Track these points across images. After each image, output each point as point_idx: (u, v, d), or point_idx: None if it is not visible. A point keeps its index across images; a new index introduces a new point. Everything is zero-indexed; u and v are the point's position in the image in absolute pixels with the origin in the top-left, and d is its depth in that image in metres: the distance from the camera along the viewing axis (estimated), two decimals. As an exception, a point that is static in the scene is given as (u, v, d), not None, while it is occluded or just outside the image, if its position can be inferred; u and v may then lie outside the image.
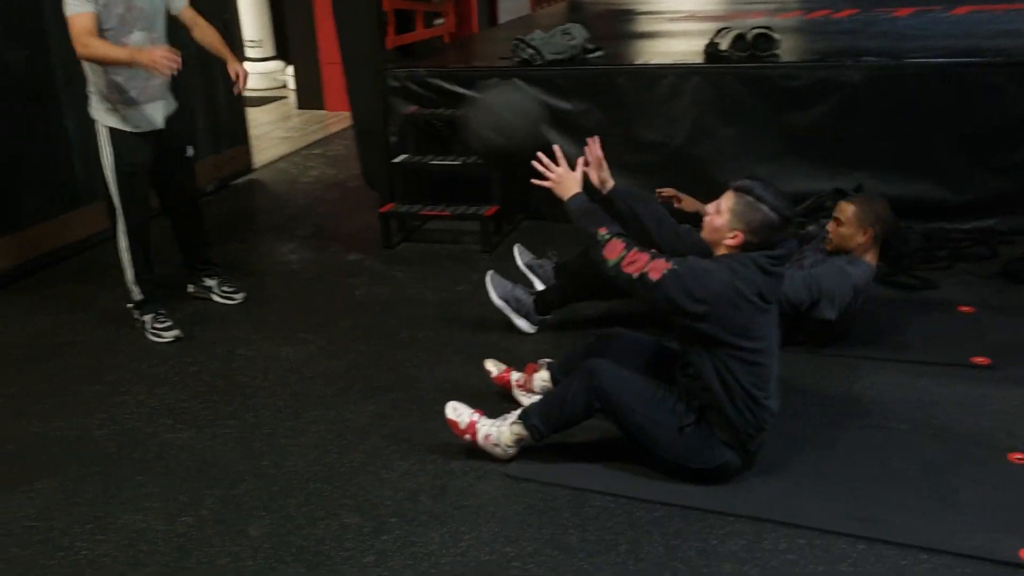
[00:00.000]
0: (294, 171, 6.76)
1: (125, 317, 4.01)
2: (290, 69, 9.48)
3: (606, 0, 9.76)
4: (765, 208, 2.58)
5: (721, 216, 2.64)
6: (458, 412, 2.93)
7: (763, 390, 2.61)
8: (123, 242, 3.84)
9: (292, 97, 9.30)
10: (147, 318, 3.92)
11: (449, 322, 3.97)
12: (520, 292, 3.81)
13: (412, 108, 5.26)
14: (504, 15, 9.57)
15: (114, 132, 3.70)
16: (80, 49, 3.52)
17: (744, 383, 2.58)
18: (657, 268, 2.57)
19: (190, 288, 4.31)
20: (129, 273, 3.88)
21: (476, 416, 2.91)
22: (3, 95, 4.50)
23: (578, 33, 5.24)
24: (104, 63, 3.58)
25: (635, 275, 2.60)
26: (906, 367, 3.40)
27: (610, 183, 3.19)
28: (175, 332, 3.89)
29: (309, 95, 8.96)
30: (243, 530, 2.64)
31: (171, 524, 2.68)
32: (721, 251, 2.68)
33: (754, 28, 5.00)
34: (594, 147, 3.18)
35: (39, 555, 2.56)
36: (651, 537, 2.53)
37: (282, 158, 7.11)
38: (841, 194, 4.55)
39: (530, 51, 5.16)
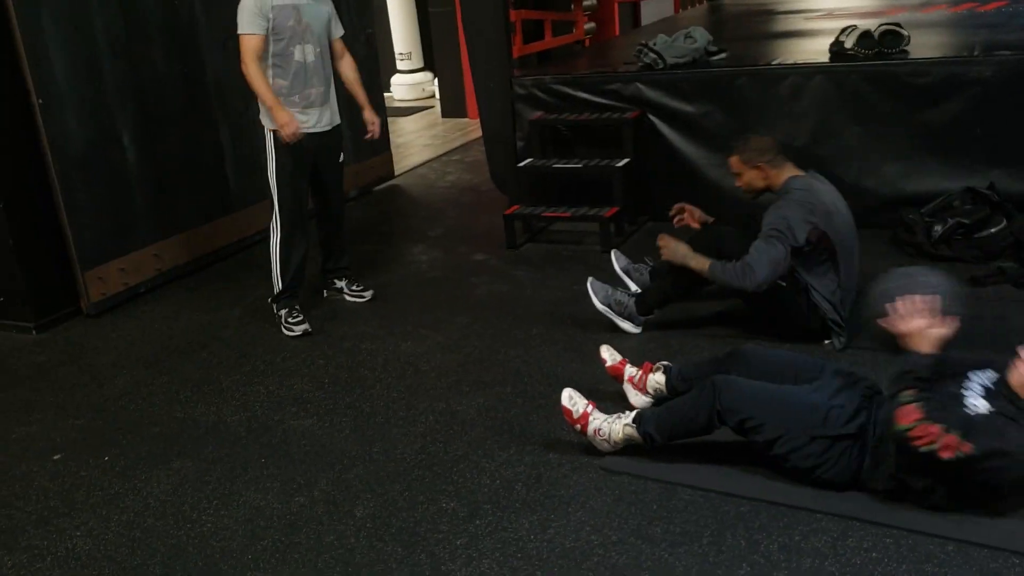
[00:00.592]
0: (432, 176, 7.05)
1: (267, 315, 4.34)
2: (437, 80, 9.85)
3: (748, 1, 9.62)
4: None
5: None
6: (573, 401, 3.01)
7: None
8: (275, 237, 4.16)
9: (438, 107, 9.66)
10: (283, 312, 4.24)
11: (562, 320, 4.08)
12: (620, 295, 3.90)
13: (538, 114, 5.41)
14: (647, 19, 9.62)
15: (274, 136, 4.03)
16: (243, 68, 3.92)
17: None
18: (949, 447, 2.36)
19: (324, 293, 4.61)
20: (276, 266, 4.20)
21: (590, 408, 2.98)
22: (165, 109, 4.97)
23: (700, 36, 5.24)
24: (253, 89, 3.94)
25: (921, 449, 2.41)
26: None
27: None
28: (305, 327, 4.18)
29: (453, 104, 9.29)
30: (350, 511, 2.84)
31: (287, 503, 2.91)
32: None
33: (881, 25, 4.85)
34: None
35: (170, 526, 2.85)
36: (735, 531, 2.56)
37: (423, 164, 7.42)
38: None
39: (652, 56, 5.20)
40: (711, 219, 4.01)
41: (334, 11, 4.23)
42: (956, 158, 4.57)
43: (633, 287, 4.11)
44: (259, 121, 4.11)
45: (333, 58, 4.24)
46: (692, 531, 2.58)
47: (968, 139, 4.54)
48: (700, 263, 3.62)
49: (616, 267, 4.20)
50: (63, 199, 4.44)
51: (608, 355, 3.37)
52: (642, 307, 3.86)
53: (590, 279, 3.97)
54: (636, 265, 4.21)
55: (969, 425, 2.38)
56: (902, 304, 2.60)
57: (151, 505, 2.97)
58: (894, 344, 2.64)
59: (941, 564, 2.35)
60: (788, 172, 3.62)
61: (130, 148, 4.78)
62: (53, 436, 3.47)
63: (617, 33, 8.35)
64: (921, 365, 2.54)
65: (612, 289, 3.94)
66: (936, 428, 2.37)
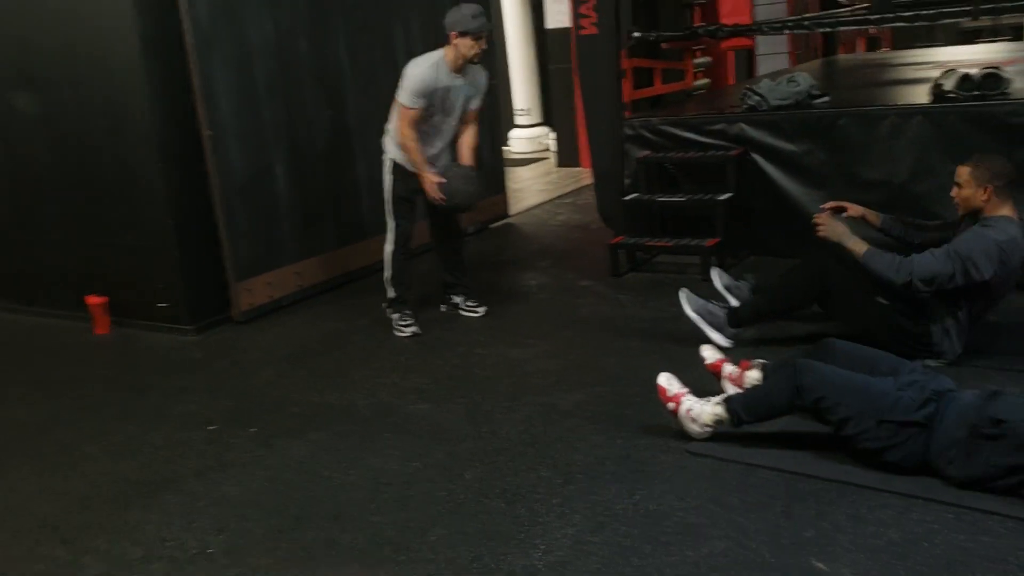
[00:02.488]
0: (545, 216, 7.51)
1: (391, 325, 4.83)
2: (553, 134, 10.39)
3: (863, 57, 9.81)
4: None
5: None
6: (670, 381, 3.32)
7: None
8: (388, 247, 4.74)
9: (553, 158, 10.18)
10: (395, 316, 4.78)
11: (659, 336, 4.40)
12: (713, 307, 4.14)
13: (645, 152, 5.80)
14: (762, 71, 9.94)
15: (396, 165, 4.63)
16: (399, 134, 4.52)
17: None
18: None
19: (442, 307, 5.08)
20: (387, 273, 4.77)
21: (685, 390, 3.30)
22: (312, 145, 5.60)
23: (803, 81, 5.53)
24: (405, 152, 4.54)
25: None
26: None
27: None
28: (414, 329, 4.72)
29: (567, 155, 9.79)
30: (460, 474, 3.23)
31: (405, 467, 3.32)
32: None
33: (982, 69, 5.05)
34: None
35: (305, 481, 3.30)
36: (805, 503, 2.81)
37: (536, 206, 7.90)
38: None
39: (756, 98, 5.53)
40: (872, 216, 4.11)
41: (484, 88, 4.70)
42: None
43: (733, 302, 4.33)
44: (382, 147, 4.68)
45: (462, 121, 4.71)
46: (765, 501, 2.85)
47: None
48: (857, 245, 3.70)
49: (717, 283, 4.42)
50: (223, 220, 5.08)
51: (708, 353, 3.64)
52: (733, 319, 4.11)
53: (684, 290, 4.21)
54: (738, 282, 4.42)
55: None
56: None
57: (290, 465, 3.44)
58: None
59: (998, 536, 2.55)
60: (1005, 210, 3.62)
61: (281, 178, 5.42)
62: (207, 412, 4.01)
63: (732, 83, 8.71)
64: None
65: (705, 301, 4.19)
66: None
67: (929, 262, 3.54)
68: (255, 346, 4.86)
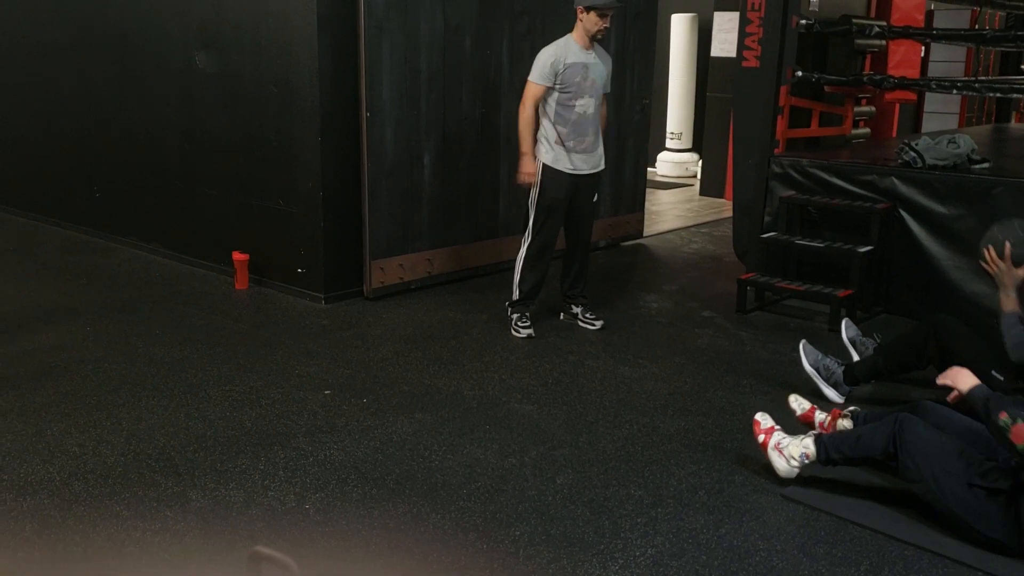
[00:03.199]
0: (678, 242, 7.48)
1: (508, 323, 4.94)
2: (700, 161, 10.31)
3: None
4: None
5: None
6: (764, 417, 3.34)
7: None
8: (523, 252, 4.86)
9: (697, 185, 10.10)
10: (515, 316, 4.89)
11: (773, 379, 4.34)
12: (830, 362, 4.08)
13: (790, 192, 5.71)
14: (928, 128, 9.61)
15: (546, 168, 4.73)
16: (520, 109, 4.67)
17: None
18: None
19: (561, 315, 5.16)
20: (517, 276, 4.88)
21: (777, 426, 3.29)
22: (461, 141, 5.79)
23: (964, 143, 5.34)
24: (519, 126, 4.71)
25: None
26: None
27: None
28: (530, 331, 4.84)
29: (712, 184, 9.70)
30: (552, 477, 3.29)
31: (501, 461, 3.42)
32: None
33: None
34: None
35: (406, 456, 3.44)
36: (894, 567, 2.75)
37: (672, 231, 7.87)
38: None
39: (912, 154, 5.37)
40: None
41: (610, 72, 4.89)
42: None
43: (855, 357, 4.26)
44: (532, 153, 4.78)
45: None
46: (853, 558, 2.79)
47: None
48: (1010, 302, 3.53)
49: (844, 335, 4.36)
50: (368, 200, 5.32)
51: (797, 404, 3.61)
52: (849, 377, 4.03)
53: (803, 341, 4.19)
54: (864, 339, 4.34)
55: None
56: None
57: (393, 439, 3.58)
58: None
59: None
60: None
61: (428, 168, 5.62)
62: (326, 377, 4.22)
63: (894, 136, 8.45)
64: (981, 393, 2.88)
65: (823, 355, 4.14)
66: None
67: None
68: (379, 323, 5.06)
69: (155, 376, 4.20)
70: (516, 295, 4.91)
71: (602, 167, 4.91)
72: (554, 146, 4.72)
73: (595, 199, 4.97)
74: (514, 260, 4.95)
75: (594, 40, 4.70)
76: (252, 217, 5.68)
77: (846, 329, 4.36)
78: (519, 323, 4.88)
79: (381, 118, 5.28)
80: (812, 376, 4.11)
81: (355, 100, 5.21)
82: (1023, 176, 5.13)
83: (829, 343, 4.51)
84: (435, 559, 2.76)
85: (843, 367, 4.08)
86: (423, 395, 4.04)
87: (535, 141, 4.76)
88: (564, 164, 4.72)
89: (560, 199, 4.76)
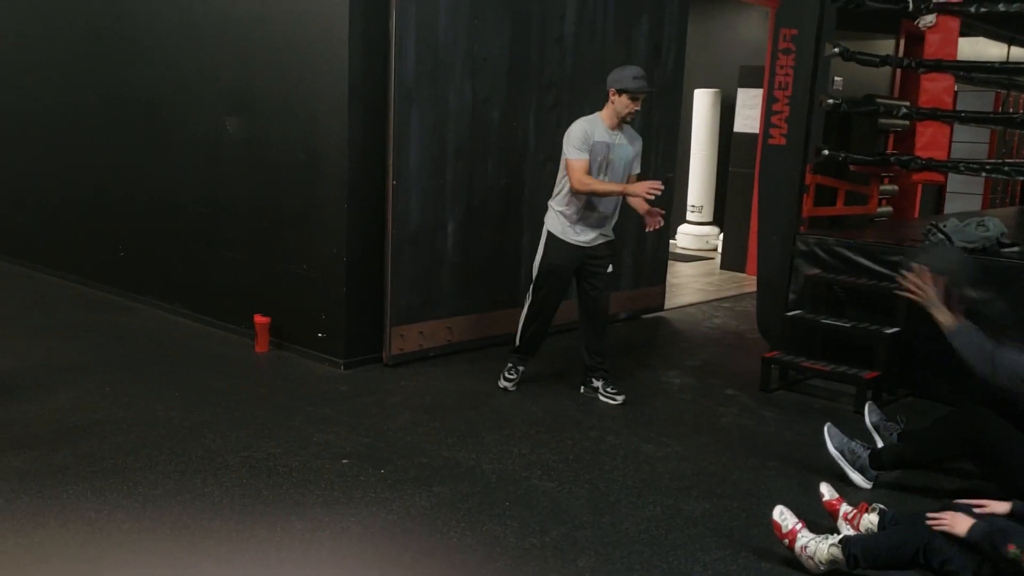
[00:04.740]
0: (700, 316, 7.43)
1: (531, 393, 4.89)
2: (721, 235, 10.31)
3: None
4: None
5: None
6: (783, 516, 3.24)
7: None
8: (525, 311, 4.98)
9: (718, 259, 10.09)
10: (508, 365, 5.09)
11: (798, 461, 4.25)
12: (856, 446, 3.99)
13: (815, 271, 5.67)
14: (950, 208, 9.60)
15: (551, 237, 4.81)
16: (578, 185, 4.68)
17: None
18: None
19: (581, 389, 5.10)
20: (519, 330, 5.03)
21: (799, 526, 3.20)
22: (486, 211, 5.81)
23: (994, 227, 5.30)
24: (599, 195, 4.71)
25: None
26: None
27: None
28: (509, 384, 5.05)
29: (733, 258, 9.69)
30: (573, 560, 3.20)
31: (521, 540, 3.33)
32: None
33: None
34: None
35: (424, 532, 3.36)
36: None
37: (692, 304, 7.83)
38: None
39: (940, 236, 5.33)
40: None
41: (640, 152, 4.93)
42: None
43: (880, 443, 4.19)
44: (543, 222, 4.90)
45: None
46: (887, 657, 2.68)
47: None
48: (946, 316, 3.50)
49: (867, 420, 4.31)
50: (391, 266, 5.32)
51: (827, 491, 3.53)
52: (875, 461, 3.94)
53: (828, 424, 4.12)
54: (888, 423, 4.27)
55: None
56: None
57: (411, 514, 3.51)
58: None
59: None
60: None
61: (451, 235, 5.63)
62: (344, 445, 4.16)
63: (916, 215, 8.44)
64: (980, 529, 2.80)
65: (849, 439, 4.05)
66: None
67: (1018, 355, 3.28)
68: (398, 390, 5.02)
69: (172, 439, 4.15)
70: (516, 344, 5.08)
71: (610, 238, 4.92)
72: (565, 222, 4.80)
73: (609, 270, 4.96)
74: None
75: (623, 122, 4.74)
76: (274, 280, 5.69)
77: (869, 414, 4.30)
78: (506, 372, 5.08)
79: (407, 186, 5.32)
80: (838, 460, 4.02)
81: (382, 168, 5.25)
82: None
83: (854, 426, 4.42)
84: (453, 644, 2.68)
85: (869, 451, 4.00)
86: (441, 467, 3.98)
87: (556, 209, 4.84)
88: (570, 237, 4.81)
89: (562, 267, 4.83)
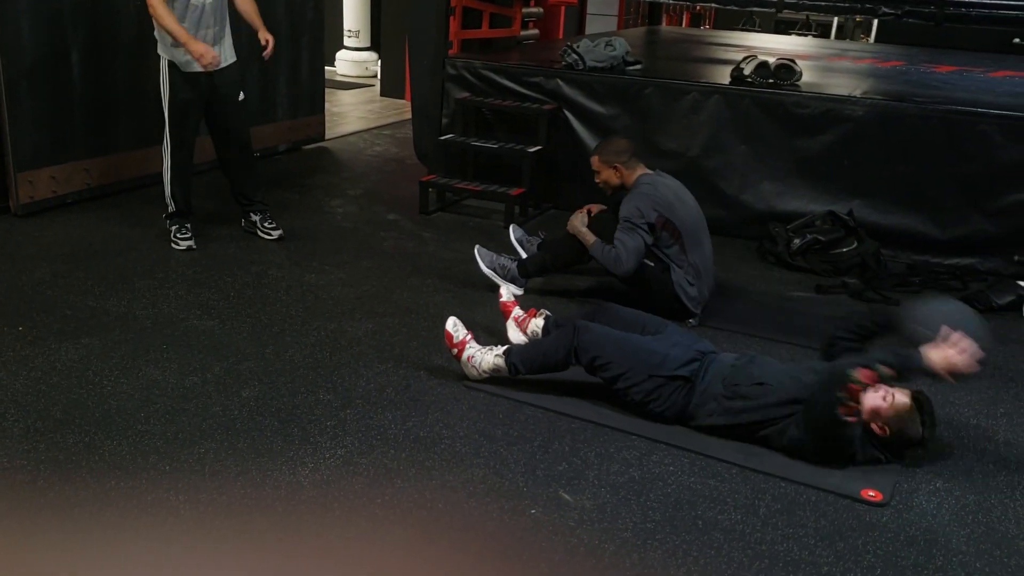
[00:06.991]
0: (361, 145, 7.44)
1: (183, 234, 4.68)
2: (380, 61, 10.22)
3: (682, 31, 10.26)
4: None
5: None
6: (456, 328, 3.42)
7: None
8: (166, 161, 4.57)
9: (378, 86, 10.04)
10: (173, 228, 4.65)
11: (455, 277, 4.52)
12: (505, 260, 4.35)
13: (465, 94, 5.85)
14: (591, 29, 10.20)
15: (171, 66, 4.40)
16: (151, 10, 4.25)
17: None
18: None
19: (242, 223, 4.97)
20: (167, 188, 4.62)
21: (468, 337, 3.42)
22: (116, 37, 5.25)
23: (619, 46, 5.76)
24: (163, 27, 4.27)
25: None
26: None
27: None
28: (190, 244, 4.63)
29: (392, 85, 9.69)
30: (237, 391, 3.23)
31: (181, 380, 3.28)
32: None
33: (779, 59, 5.45)
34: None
35: (73, 385, 3.19)
36: (562, 440, 3.03)
37: (354, 133, 7.80)
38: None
39: (574, 56, 5.71)
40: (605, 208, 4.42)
41: None
42: (824, 184, 5.17)
43: (523, 255, 4.56)
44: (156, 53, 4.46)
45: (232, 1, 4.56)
46: (526, 435, 3.04)
47: (836, 169, 5.14)
48: (588, 239, 4.10)
49: (512, 237, 4.66)
50: (6, 103, 4.70)
51: (506, 292, 3.85)
52: (522, 271, 4.32)
53: (477, 246, 4.40)
54: (530, 237, 4.66)
55: None
56: (956, 340, 2.84)
57: (57, 368, 3.31)
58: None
59: (723, 480, 2.86)
60: (639, 171, 4.16)
61: (77, 67, 5.07)
62: (-29, 306, 3.77)
63: (561, 36, 8.89)
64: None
65: (497, 255, 4.38)
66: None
67: (624, 244, 3.94)
68: (32, 242, 4.58)
69: None
70: (171, 207, 4.65)
71: (232, 59, 4.59)
72: (172, 47, 4.37)
73: (241, 97, 4.70)
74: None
75: None
76: None
77: (513, 232, 4.65)
78: (178, 235, 4.64)
79: (13, 8, 4.65)
80: (491, 276, 4.33)
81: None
82: (669, 78, 5.65)
83: (504, 240, 4.74)
84: (111, 487, 2.62)
85: (516, 263, 4.34)
86: (89, 318, 3.75)
87: (158, 34, 4.41)
88: (180, 59, 4.39)
89: (194, 99, 4.47)
